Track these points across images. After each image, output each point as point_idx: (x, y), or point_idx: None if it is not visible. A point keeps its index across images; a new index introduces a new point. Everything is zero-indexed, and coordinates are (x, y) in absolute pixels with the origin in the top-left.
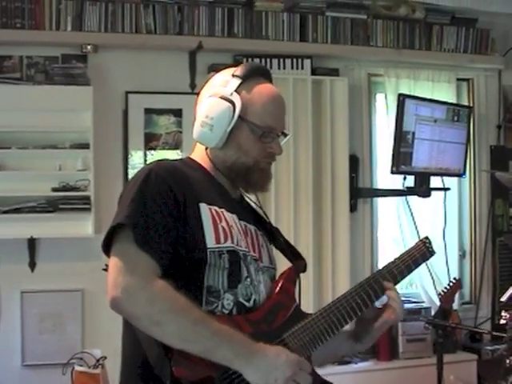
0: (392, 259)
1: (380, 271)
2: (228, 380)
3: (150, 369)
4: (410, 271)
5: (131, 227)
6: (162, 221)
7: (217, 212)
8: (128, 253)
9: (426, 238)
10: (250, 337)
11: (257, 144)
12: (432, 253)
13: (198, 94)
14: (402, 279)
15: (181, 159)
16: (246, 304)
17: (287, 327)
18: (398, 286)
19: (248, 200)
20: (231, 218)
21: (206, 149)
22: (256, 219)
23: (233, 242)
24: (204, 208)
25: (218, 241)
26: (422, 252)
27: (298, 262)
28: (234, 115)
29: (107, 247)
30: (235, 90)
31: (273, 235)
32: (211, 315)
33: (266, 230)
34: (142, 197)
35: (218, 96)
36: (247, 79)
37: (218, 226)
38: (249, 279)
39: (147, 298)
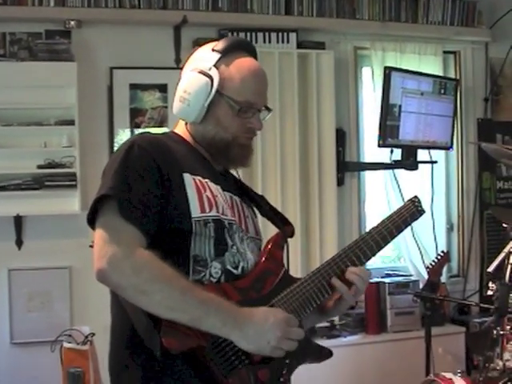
0: (381, 220)
1: (369, 232)
2: (218, 348)
3: (139, 340)
4: (399, 231)
5: (116, 198)
6: (146, 191)
7: (201, 182)
8: (113, 224)
9: (415, 197)
10: (238, 304)
11: (235, 119)
12: (421, 212)
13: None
14: (391, 239)
15: (164, 133)
16: (234, 271)
17: (276, 293)
18: (385, 259)
19: (232, 172)
20: (216, 188)
21: (186, 124)
22: (240, 190)
23: (218, 211)
24: (188, 178)
25: (202, 210)
26: (411, 211)
27: (285, 227)
28: (211, 90)
29: (92, 220)
30: (214, 65)
31: (258, 204)
32: (199, 284)
33: (252, 200)
34: (126, 168)
35: (196, 71)
36: (227, 54)
37: (202, 196)
38: (235, 247)
39: (133, 267)
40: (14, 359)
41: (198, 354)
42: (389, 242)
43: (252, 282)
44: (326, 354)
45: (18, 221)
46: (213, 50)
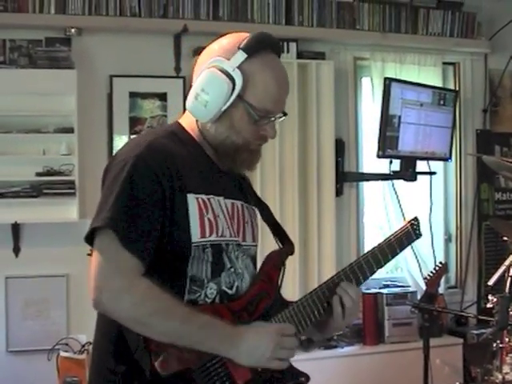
0: (377, 242)
1: (365, 255)
2: (206, 372)
3: (127, 349)
4: (394, 254)
5: (116, 229)
6: (149, 218)
7: (204, 202)
8: (111, 252)
9: (415, 218)
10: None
11: (251, 126)
12: (418, 235)
13: (199, 53)
14: (386, 263)
15: (170, 128)
16: (229, 292)
17: (268, 317)
18: (382, 270)
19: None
20: (218, 204)
21: (197, 120)
22: (245, 190)
23: (217, 235)
24: (191, 199)
25: (203, 235)
26: (408, 234)
27: (286, 245)
28: (232, 94)
29: (90, 239)
30: (238, 66)
31: (262, 210)
32: (194, 307)
33: (256, 202)
34: (129, 193)
35: (218, 69)
36: (253, 55)
37: (204, 219)
38: (232, 268)
39: (132, 301)
40: (10, 367)
41: (187, 376)
42: (383, 266)
43: (246, 304)
44: (304, 379)
45: (16, 228)
46: (239, 48)
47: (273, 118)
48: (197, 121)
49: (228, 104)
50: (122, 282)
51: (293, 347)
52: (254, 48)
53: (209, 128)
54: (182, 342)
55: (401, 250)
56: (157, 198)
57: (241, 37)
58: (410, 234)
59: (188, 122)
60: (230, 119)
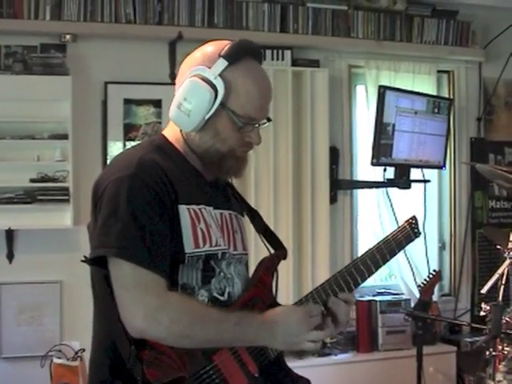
0: (376, 242)
1: (362, 256)
2: (199, 380)
3: (122, 361)
4: (393, 255)
5: (130, 259)
6: (158, 232)
7: (195, 212)
8: (134, 278)
9: (413, 217)
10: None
11: (235, 133)
12: (417, 234)
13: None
14: (384, 264)
15: (155, 142)
16: (221, 298)
17: None
18: (376, 277)
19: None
20: (209, 214)
21: (181, 130)
22: (233, 199)
23: (211, 245)
24: (183, 211)
25: (196, 245)
26: (406, 234)
27: (278, 250)
28: (214, 102)
29: (95, 260)
30: (219, 74)
31: (252, 217)
32: (223, 308)
33: (246, 209)
34: (132, 215)
35: (199, 77)
36: (234, 62)
37: (196, 230)
38: (222, 273)
39: (171, 318)
40: (3, 374)
41: None
42: (381, 267)
43: (238, 310)
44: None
45: (10, 234)
46: (219, 56)
47: (257, 125)
48: (181, 130)
49: (211, 112)
50: (155, 302)
51: (322, 327)
52: (234, 55)
53: (193, 137)
54: (222, 343)
55: (399, 250)
56: (160, 213)
57: (222, 44)
58: (408, 233)
59: (172, 132)
60: (214, 127)
